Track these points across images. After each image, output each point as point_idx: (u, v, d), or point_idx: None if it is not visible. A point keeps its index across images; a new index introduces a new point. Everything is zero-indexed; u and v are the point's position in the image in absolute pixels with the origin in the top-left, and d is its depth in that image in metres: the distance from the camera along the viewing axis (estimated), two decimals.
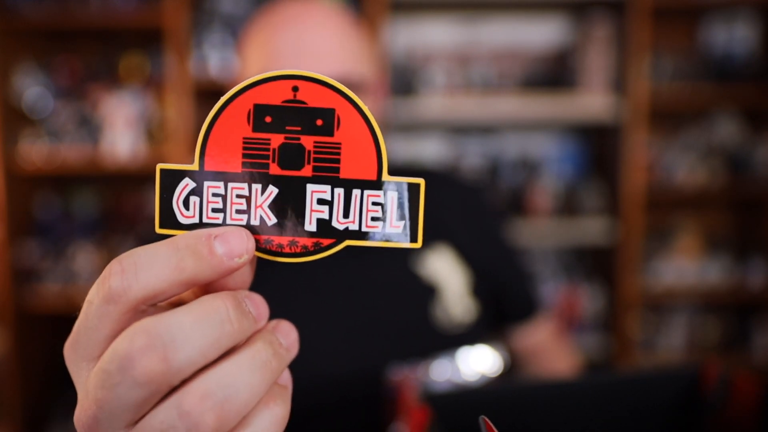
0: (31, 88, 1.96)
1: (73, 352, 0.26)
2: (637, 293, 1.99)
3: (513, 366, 0.95)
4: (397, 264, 0.81)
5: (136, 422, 0.25)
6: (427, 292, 0.80)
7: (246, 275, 0.29)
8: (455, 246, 0.84)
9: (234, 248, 0.26)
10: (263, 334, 0.27)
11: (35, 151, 1.91)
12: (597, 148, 2.16)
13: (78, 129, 1.94)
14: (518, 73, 2.05)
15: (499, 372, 0.70)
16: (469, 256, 0.85)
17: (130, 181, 2.11)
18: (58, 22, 1.90)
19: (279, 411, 0.27)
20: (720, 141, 2.08)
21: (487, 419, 0.28)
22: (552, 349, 0.95)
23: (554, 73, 2.06)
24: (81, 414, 0.26)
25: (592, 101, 1.94)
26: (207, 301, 0.25)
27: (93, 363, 0.26)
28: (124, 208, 2.14)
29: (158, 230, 0.28)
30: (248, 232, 0.27)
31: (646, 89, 1.91)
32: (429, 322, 0.78)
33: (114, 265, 0.25)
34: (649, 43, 1.91)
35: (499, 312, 0.90)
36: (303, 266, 0.78)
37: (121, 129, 1.91)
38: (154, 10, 1.86)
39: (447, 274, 0.82)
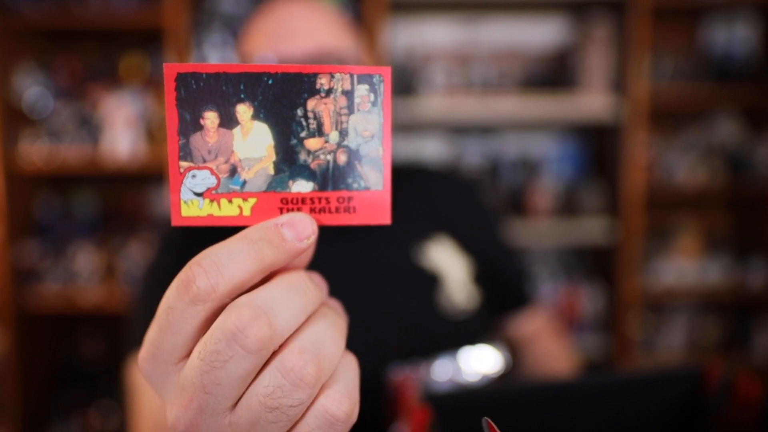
0: (31, 88, 1.96)
1: (153, 361, 0.28)
2: (637, 293, 1.99)
3: (514, 365, 0.95)
4: (398, 255, 0.83)
5: (237, 402, 0.27)
6: (430, 281, 0.82)
7: (308, 255, 0.32)
8: (455, 236, 0.88)
9: (301, 231, 0.29)
10: (326, 302, 0.31)
11: (35, 151, 1.91)
12: (597, 148, 2.16)
13: (78, 129, 1.93)
14: (518, 73, 2.05)
15: (501, 372, 0.70)
16: (469, 245, 0.88)
17: (130, 181, 2.11)
18: (58, 22, 1.90)
19: (354, 358, 0.31)
20: (720, 141, 2.08)
21: (490, 421, 0.28)
22: (545, 338, 0.98)
23: (554, 73, 2.06)
24: (180, 413, 0.27)
25: (592, 101, 1.94)
26: (288, 276, 0.29)
27: (182, 363, 0.28)
28: (124, 208, 2.14)
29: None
30: (309, 215, 0.29)
31: (646, 89, 1.91)
32: (433, 311, 0.80)
33: (195, 268, 0.27)
34: (649, 43, 1.91)
35: (501, 298, 0.93)
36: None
37: (121, 129, 1.91)
38: (154, 10, 1.86)
39: (448, 262, 0.85)
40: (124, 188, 2.14)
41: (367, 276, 0.81)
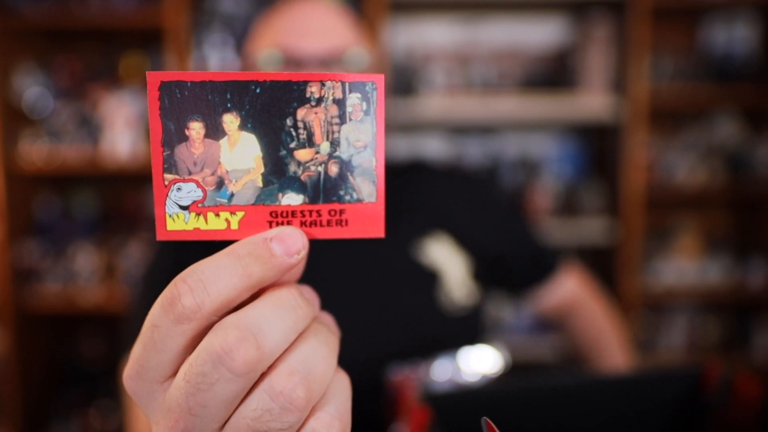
0: (31, 88, 1.96)
1: (138, 380, 0.27)
2: (637, 293, 1.99)
3: (513, 365, 0.95)
4: (397, 253, 0.83)
5: (225, 423, 0.26)
6: (429, 278, 0.82)
7: (299, 270, 0.31)
8: (453, 233, 0.88)
9: (291, 246, 0.28)
10: (317, 317, 0.30)
11: (35, 151, 1.91)
12: (597, 148, 2.16)
13: (78, 129, 1.93)
14: (518, 73, 2.05)
15: (501, 372, 0.70)
16: (468, 242, 0.88)
17: (130, 181, 2.11)
18: (58, 22, 1.90)
19: (346, 377, 0.30)
20: (720, 141, 2.08)
21: (489, 421, 0.28)
22: (582, 298, 0.98)
23: (554, 73, 2.06)
24: None
25: (592, 101, 1.94)
26: (276, 293, 0.27)
27: (168, 381, 0.27)
28: (124, 208, 2.14)
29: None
30: (299, 229, 0.28)
31: (646, 89, 1.91)
32: (433, 307, 0.80)
33: (180, 286, 0.26)
34: (649, 43, 1.91)
35: (516, 280, 0.94)
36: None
37: (121, 129, 1.91)
38: (154, 10, 1.86)
39: (447, 260, 0.85)
40: (124, 188, 2.14)
41: (365, 273, 0.81)
